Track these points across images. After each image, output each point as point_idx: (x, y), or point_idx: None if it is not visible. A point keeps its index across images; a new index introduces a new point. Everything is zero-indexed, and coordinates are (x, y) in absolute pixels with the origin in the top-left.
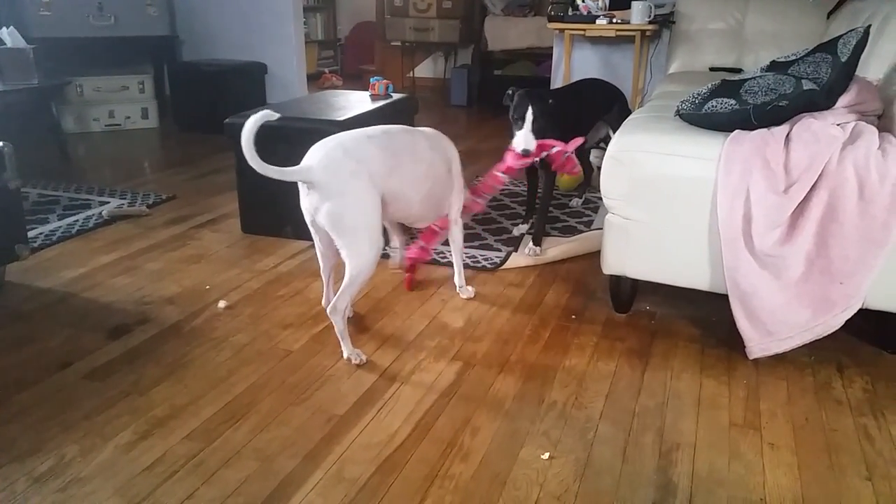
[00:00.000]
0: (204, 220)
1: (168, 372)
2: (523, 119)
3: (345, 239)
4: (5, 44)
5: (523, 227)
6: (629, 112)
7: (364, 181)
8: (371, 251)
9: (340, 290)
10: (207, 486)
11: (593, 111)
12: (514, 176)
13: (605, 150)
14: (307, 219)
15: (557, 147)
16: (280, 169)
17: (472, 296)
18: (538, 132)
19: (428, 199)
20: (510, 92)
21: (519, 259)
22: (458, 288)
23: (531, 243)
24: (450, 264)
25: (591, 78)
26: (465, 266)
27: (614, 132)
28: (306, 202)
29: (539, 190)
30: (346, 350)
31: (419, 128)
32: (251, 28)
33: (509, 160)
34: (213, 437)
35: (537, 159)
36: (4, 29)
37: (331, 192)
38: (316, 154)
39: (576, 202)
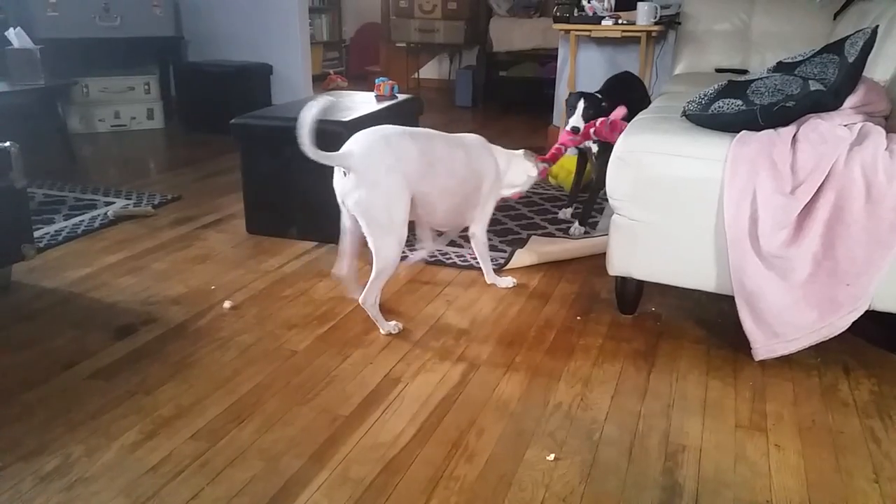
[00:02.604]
0: (209, 220)
1: (173, 372)
2: (574, 108)
3: (371, 229)
4: (12, 44)
5: (567, 212)
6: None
7: (398, 177)
8: (394, 245)
9: (369, 282)
10: (213, 485)
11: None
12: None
13: None
14: (339, 198)
15: (601, 121)
16: (324, 153)
17: (511, 286)
18: (587, 119)
19: (452, 211)
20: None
21: (523, 258)
22: (491, 282)
23: (577, 223)
24: (454, 265)
25: (626, 73)
26: (470, 267)
27: None
28: (339, 184)
29: (591, 176)
30: (383, 328)
31: (463, 136)
32: (257, 29)
33: (563, 137)
34: (218, 436)
35: (589, 143)
36: (11, 29)
37: (364, 181)
38: (359, 141)
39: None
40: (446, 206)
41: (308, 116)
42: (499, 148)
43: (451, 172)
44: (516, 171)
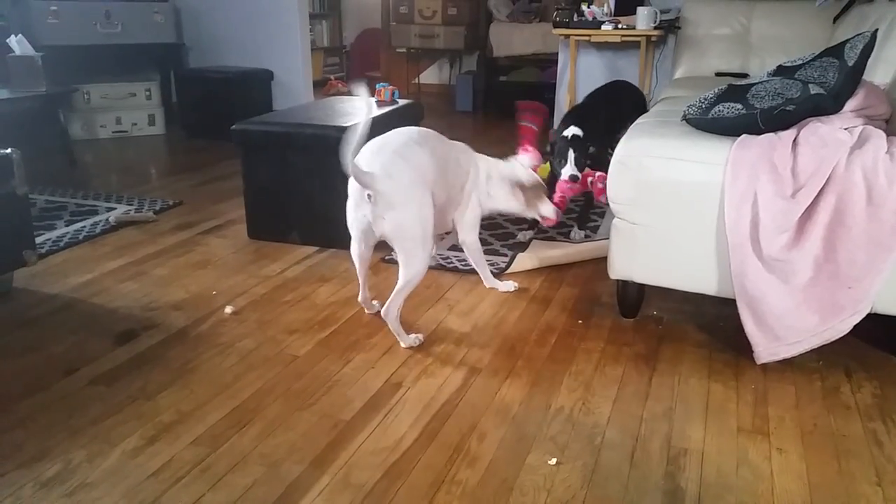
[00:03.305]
0: (210, 225)
1: (174, 377)
2: (565, 157)
3: (404, 246)
4: (14, 51)
5: (529, 233)
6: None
7: (423, 189)
8: (426, 256)
9: (394, 293)
10: (214, 491)
11: (628, 116)
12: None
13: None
14: (356, 227)
15: (599, 175)
16: (354, 162)
17: (512, 289)
18: (578, 163)
19: (442, 207)
20: (552, 142)
21: (524, 262)
22: (490, 286)
23: (576, 227)
24: (455, 270)
25: (621, 81)
26: (471, 271)
27: None
28: (365, 210)
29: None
30: (404, 342)
31: (454, 142)
32: (257, 35)
33: (562, 187)
34: (219, 442)
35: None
36: (13, 37)
37: (395, 203)
38: (376, 161)
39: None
40: (440, 203)
41: (357, 133)
42: (484, 157)
43: (447, 169)
44: (497, 185)
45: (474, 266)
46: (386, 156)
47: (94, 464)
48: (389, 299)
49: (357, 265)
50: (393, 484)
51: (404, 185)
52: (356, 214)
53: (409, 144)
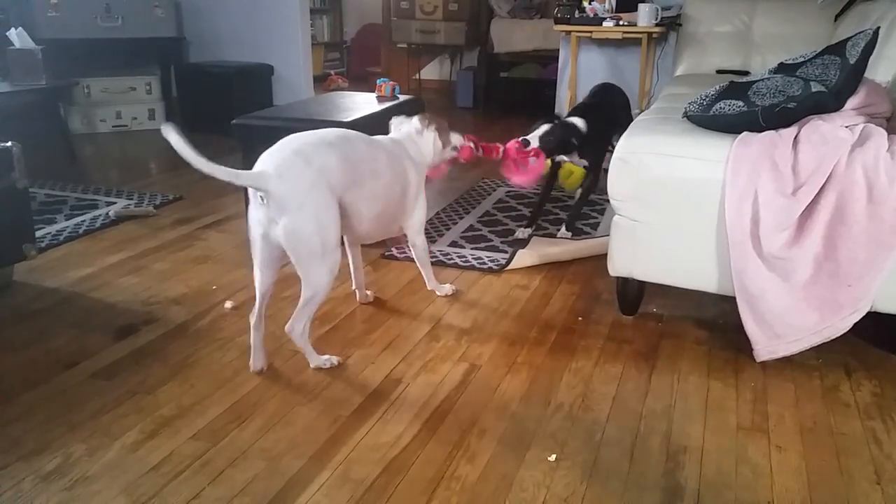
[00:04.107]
0: (211, 220)
1: (174, 372)
2: (537, 128)
3: (299, 256)
4: (14, 44)
5: (527, 231)
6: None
7: (324, 192)
8: (328, 270)
9: (297, 310)
10: (214, 485)
11: (620, 118)
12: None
13: (611, 153)
14: (255, 232)
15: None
16: (230, 170)
17: (450, 293)
18: (544, 144)
19: (378, 218)
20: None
21: (524, 259)
22: (431, 288)
23: (563, 227)
24: (456, 266)
25: (608, 84)
26: (472, 267)
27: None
28: (259, 213)
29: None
30: (314, 361)
31: (384, 138)
32: (258, 30)
33: (511, 144)
34: (219, 436)
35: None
36: (13, 30)
37: (288, 206)
38: (272, 160)
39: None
40: (373, 213)
41: (173, 136)
42: (405, 134)
43: (376, 174)
44: (426, 146)
45: (419, 266)
46: (283, 154)
47: (94, 457)
48: (294, 315)
49: (257, 288)
50: (393, 479)
51: (300, 188)
52: (251, 217)
53: (317, 144)
